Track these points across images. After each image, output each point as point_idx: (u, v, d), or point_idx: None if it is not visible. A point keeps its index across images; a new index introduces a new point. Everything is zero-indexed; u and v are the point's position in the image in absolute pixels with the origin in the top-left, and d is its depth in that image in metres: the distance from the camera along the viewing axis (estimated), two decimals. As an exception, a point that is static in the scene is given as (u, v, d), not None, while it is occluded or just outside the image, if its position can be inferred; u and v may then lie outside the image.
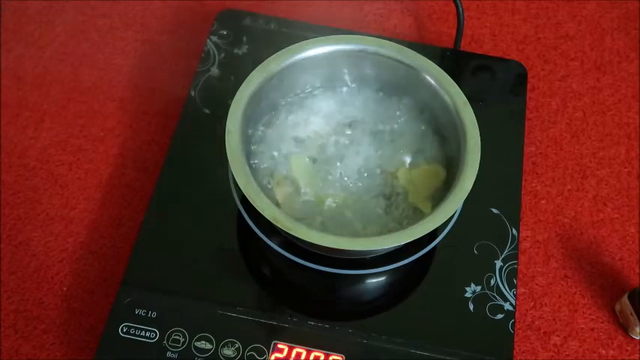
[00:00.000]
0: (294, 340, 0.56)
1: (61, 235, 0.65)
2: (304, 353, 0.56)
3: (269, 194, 0.58)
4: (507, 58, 0.75)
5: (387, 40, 0.63)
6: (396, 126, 0.63)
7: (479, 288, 0.60)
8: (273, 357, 0.55)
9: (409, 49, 0.62)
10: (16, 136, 0.70)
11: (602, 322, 0.63)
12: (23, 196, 0.67)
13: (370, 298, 0.61)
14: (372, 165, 0.61)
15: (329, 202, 0.59)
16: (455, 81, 0.60)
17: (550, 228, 0.68)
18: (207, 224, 0.62)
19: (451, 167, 0.59)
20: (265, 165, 0.60)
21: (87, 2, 0.79)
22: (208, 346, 0.55)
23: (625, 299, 0.61)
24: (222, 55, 0.71)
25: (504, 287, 0.60)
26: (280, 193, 0.58)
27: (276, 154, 0.61)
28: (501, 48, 0.78)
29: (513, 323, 0.58)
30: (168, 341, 0.55)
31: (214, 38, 0.72)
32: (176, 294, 0.58)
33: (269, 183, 0.59)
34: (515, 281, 0.60)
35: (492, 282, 0.60)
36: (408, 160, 0.62)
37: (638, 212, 0.69)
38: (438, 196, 0.58)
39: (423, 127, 0.63)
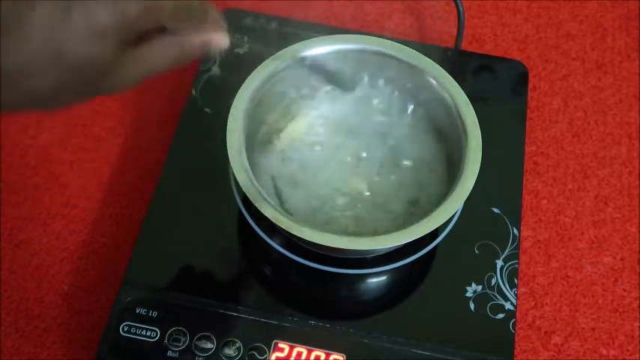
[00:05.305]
0: (295, 339, 0.56)
1: (61, 234, 0.65)
2: (305, 352, 0.56)
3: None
4: (508, 57, 0.75)
5: (388, 40, 0.63)
6: (396, 125, 0.63)
7: (480, 287, 0.60)
8: (274, 356, 0.55)
9: (410, 49, 0.62)
10: (17, 135, 0.70)
11: (603, 322, 0.63)
12: (24, 195, 0.67)
13: (371, 298, 0.61)
14: (372, 163, 0.61)
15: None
16: (456, 80, 0.60)
17: (551, 227, 0.67)
18: (208, 223, 0.62)
19: (452, 167, 0.59)
20: (266, 164, 0.60)
21: (88, 1, 0.79)
22: (209, 345, 0.55)
23: None
24: (224, 54, 0.71)
25: (505, 287, 0.60)
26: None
27: (276, 152, 0.61)
28: (502, 47, 0.78)
29: (514, 323, 0.58)
30: (169, 340, 0.55)
31: (215, 37, 0.72)
32: (177, 293, 0.58)
33: (270, 180, 0.60)
34: (516, 281, 0.60)
35: (493, 281, 0.60)
36: (408, 160, 0.62)
37: (639, 212, 0.69)
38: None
39: (423, 127, 0.63)
